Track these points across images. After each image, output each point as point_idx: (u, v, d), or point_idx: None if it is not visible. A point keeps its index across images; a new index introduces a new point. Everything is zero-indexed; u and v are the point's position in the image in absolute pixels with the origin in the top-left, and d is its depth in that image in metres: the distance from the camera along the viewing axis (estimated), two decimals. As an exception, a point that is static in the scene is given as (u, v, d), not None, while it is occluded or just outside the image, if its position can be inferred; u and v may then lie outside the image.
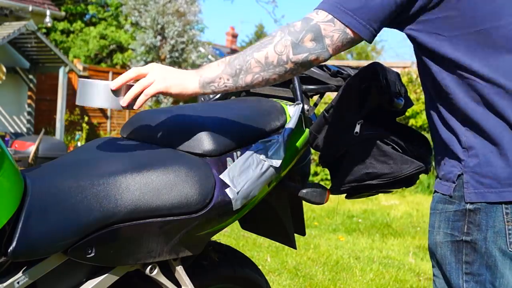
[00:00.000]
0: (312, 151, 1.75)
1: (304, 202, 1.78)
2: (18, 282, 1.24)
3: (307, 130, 1.68)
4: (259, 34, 29.17)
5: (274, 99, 1.76)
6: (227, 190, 1.44)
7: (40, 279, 1.29)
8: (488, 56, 1.16)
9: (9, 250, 1.18)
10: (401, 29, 1.24)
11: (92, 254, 1.31)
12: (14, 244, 1.18)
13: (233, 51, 20.23)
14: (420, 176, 2.21)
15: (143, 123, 1.59)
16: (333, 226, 5.49)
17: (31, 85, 11.86)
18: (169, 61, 13.22)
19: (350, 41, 1.22)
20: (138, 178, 1.36)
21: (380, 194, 3.69)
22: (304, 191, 1.68)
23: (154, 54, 13.43)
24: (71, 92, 12.03)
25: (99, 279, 1.38)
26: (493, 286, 1.17)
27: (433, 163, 1.37)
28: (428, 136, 1.46)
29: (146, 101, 1.35)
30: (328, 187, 1.68)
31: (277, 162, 1.53)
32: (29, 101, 12.00)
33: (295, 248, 1.90)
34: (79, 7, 18.31)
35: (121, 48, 17.83)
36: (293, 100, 1.74)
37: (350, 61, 19.77)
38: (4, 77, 10.09)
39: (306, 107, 1.71)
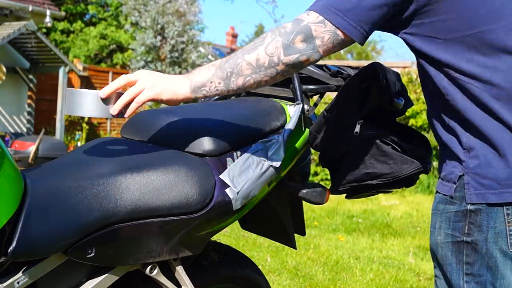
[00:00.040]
0: (312, 151, 1.75)
1: (304, 202, 1.78)
2: (18, 282, 1.24)
3: (307, 130, 1.68)
4: (259, 34, 29.05)
5: (274, 99, 1.75)
6: (227, 190, 1.44)
7: (40, 279, 1.29)
8: (485, 58, 1.16)
9: (9, 250, 1.18)
10: (396, 33, 1.24)
11: (92, 254, 1.31)
12: (14, 244, 1.18)
13: (233, 51, 20.16)
14: (420, 176, 2.21)
15: (143, 123, 1.59)
16: (333, 226, 5.48)
17: (31, 85, 11.86)
18: (169, 61, 13.20)
19: (341, 43, 1.21)
20: (138, 178, 1.36)
21: (380, 194, 3.69)
22: (304, 191, 1.68)
23: (154, 54, 13.41)
24: (71, 92, 12.01)
25: (99, 279, 1.38)
26: (493, 287, 1.17)
27: (434, 163, 1.37)
28: (428, 136, 1.46)
29: (137, 109, 1.33)
30: (328, 187, 1.68)
31: (277, 162, 1.53)
32: (29, 101, 12.00)
33: (295, 248, 1.89)
34: (79, 7, 18.31)
35: (121, 48, 17.83)
36: (293, 100, 1.73)
37: (350, 61, 19.79)
38: (4, 77, 10.09)
39: (306, 107, 1.70)
